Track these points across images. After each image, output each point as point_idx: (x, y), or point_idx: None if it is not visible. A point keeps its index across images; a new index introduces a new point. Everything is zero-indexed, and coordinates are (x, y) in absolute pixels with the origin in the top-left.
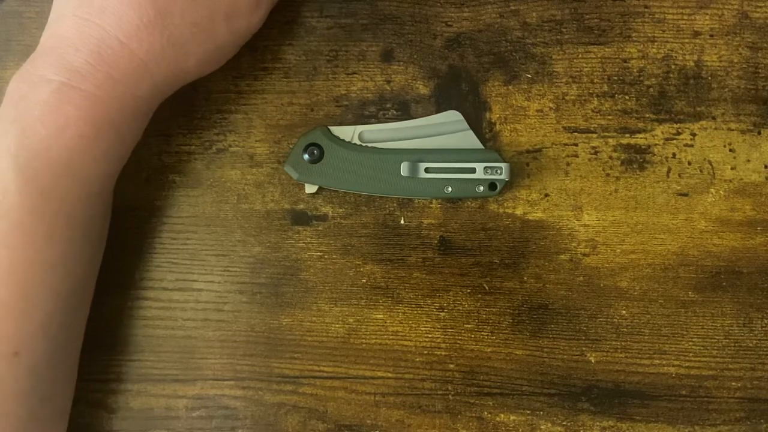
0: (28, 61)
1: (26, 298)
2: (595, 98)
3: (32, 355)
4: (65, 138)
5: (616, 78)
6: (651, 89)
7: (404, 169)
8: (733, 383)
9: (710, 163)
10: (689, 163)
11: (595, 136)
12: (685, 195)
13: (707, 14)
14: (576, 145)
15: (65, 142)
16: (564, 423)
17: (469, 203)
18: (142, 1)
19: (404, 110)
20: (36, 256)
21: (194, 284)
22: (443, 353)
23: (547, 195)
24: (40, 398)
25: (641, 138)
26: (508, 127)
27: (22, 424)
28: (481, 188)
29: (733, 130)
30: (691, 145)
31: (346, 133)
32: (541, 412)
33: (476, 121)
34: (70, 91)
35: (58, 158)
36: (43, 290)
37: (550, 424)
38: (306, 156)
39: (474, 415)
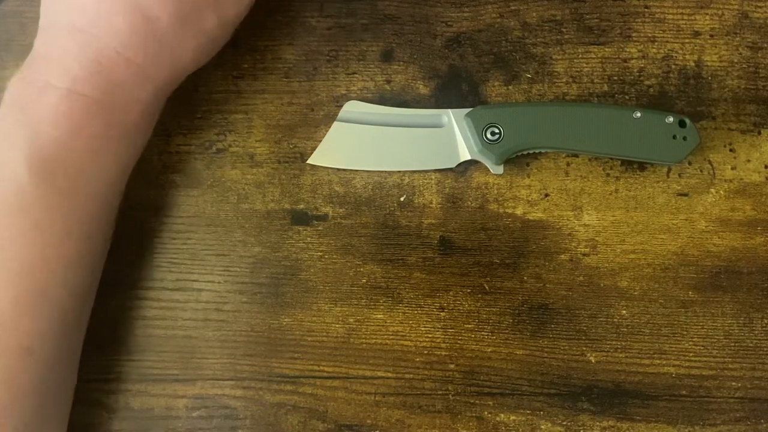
0: (26, 65)
1: (43, 295)
2: (595, 98)
3: (45, 351)
4: (77, 141)
5: (616, 78)
6: (651, 89)
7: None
8: (733, 383)
9: (710, 163)
10: (689, 163)
11: None
12: (685, 195)
13: (707, 14)
14: None
15: (77, 145)
16: (564, 423)
17: (469, 203)
18: (128, 6)
19: None
20: (53, 253)
21: (194, 284)
22: (443, 353)
23: (547, 195)
24: (49, 395)
25: None
26: None
27: (28, 419)
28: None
29: (733, 130)
30: None
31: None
32: (541, 412)
33: None
34: (77, 98)
35: (71, 160)
36: (61, 287)
37: (550, 424)
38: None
39: (474, 415)
